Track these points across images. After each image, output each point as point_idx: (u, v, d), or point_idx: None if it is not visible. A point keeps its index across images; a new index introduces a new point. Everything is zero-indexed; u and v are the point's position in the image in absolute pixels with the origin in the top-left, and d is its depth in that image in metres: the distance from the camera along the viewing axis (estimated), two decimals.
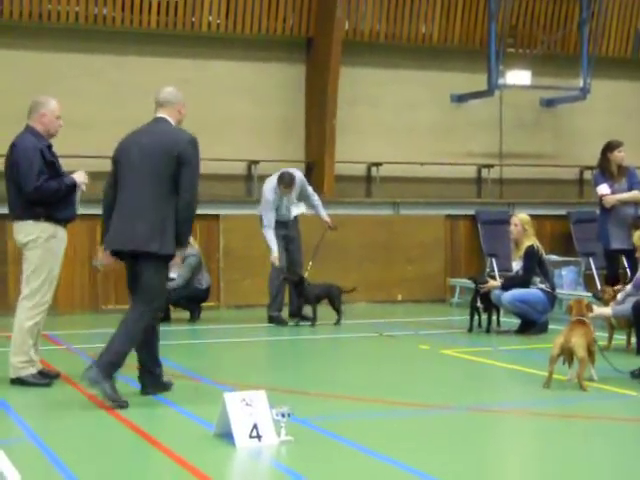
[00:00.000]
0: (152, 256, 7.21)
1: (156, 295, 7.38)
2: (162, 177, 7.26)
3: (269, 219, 12.23)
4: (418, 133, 16.65)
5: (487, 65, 16.14)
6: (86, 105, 14.59)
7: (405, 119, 16.58)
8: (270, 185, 12.35)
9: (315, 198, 12.67)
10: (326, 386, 8.14)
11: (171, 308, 12.78)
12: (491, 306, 11.49)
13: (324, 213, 12.60)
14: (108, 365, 7.06)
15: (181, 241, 7.34)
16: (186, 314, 12.83)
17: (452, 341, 10.75)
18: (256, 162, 15.40)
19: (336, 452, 5.78)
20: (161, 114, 7.67)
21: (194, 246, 12.79)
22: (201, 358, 9.98)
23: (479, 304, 11.53)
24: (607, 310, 8.56)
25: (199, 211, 13.80)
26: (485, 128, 17.06)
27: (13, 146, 7.92)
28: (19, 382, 7.88)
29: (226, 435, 5.83)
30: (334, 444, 5.95)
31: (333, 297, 12.18)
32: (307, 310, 12.17)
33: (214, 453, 5.70)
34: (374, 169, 16.26)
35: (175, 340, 11.57)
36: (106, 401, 6.96)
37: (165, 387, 7.56)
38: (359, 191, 16.24)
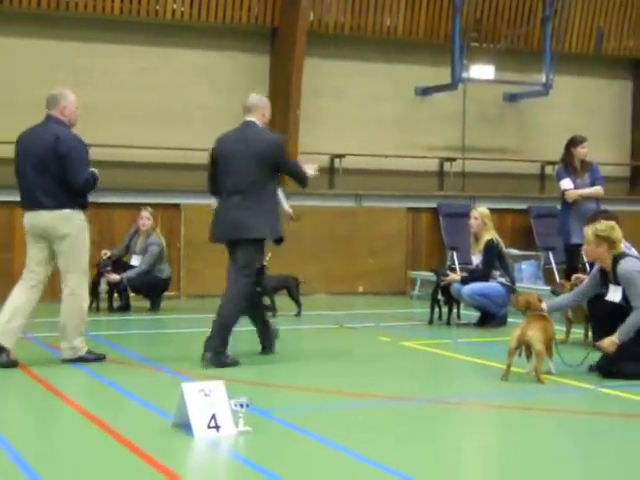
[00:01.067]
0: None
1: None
2: (259, 174, 8.43)
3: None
4: (382, 125, 16.67)
5: (451, 59, 16.18)
6: (50, 90, 14.44)
7: (369, 111, 16.58)
8: None
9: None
10: (286, 377, 8.14)
11: (131, 297, 12.73)
12: (452, 299, 11.54)
13: (286, 205, 12.54)
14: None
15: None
16: (146, 304, 12.79)
17: (412, 333, 10.78)
18: None
19: (294, 443, 5.79)
20: (249, 118, 8.68)
21: (158, 234, 12.76)
22: (161, 348, 9.94)
23: (440, 297, 11.57)
24: (543, 305, 8.57)
25: (160, 200, 13.71)
26: (448, 121, 17.11)
27: (57, 138, 8.23)
28: (81, 361, 8.23)
29: (184, 425, 5.82)
30: (293, 435, 5.96)
31: (291, 288, 12.17)
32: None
33: (172, 443, 5.68)
34: (337, 161, 16.26)
35: (135, 329, 11.55)
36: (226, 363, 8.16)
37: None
38: (322, 182, 16.20)
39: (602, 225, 8.18)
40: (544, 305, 8.45)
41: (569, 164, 11.83)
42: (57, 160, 8.17)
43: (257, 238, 8.50)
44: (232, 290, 8.56)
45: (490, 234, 11.39)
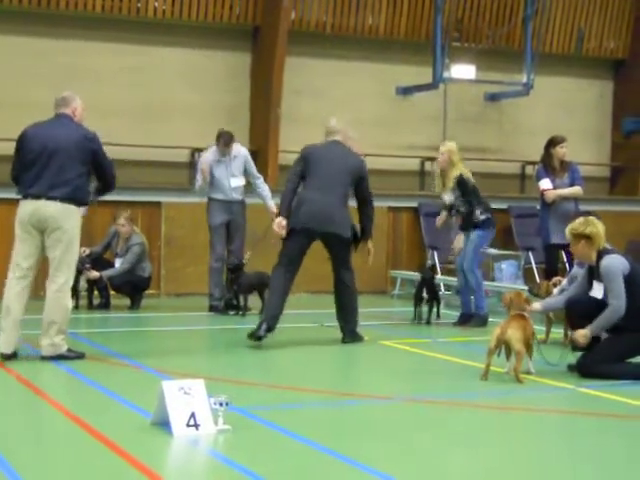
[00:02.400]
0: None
1: None
2: (346, 186, 9.88)
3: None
4: (363, 125, 16.60)
5: (433, 58, 16.21)
6: (33, 88, 14.45)
7: (350, 110, 16.53)
8: (209, 150, 12.29)
9: (260, 181, 12.37)
10: (266, 376, 8.15)
11: (112, 294, 12.69)
12: (434, 298, 11.57)
13: (271, 203, 12.25)
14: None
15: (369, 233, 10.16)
16: (126, 301, 12.75)
17: (392, 332, 10.80)
18: (199, 150, 15.29)
19: (274, 441, 5.79)
20: (335, 137, 10.10)
21: (139, 234, 12.72)
22: (141, 346, 9.90)
23: (424, 294, 11.57)
24: (537, 305, 8.62)
25: (140, 198, 13.65)
26: (429, 121, 17.12)
27: (86, 135, 8.60)
28: (60, 358, 8.25)
29: (163, 423, 5.81)
30: (272, 433, 5.96)
31: (265, 288, 12.09)
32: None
33: (151, 441, 5.68)
34: None
35: (115, 328, 11.52)
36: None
37: None
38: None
39: (576, 223, 8.20)
40: (537, 305, 8.51)
41: (548, 164, 11.87)
42: (88, 156, 8.48)
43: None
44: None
45: (458, 169, 11.29)
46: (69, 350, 8.38)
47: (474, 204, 11.34)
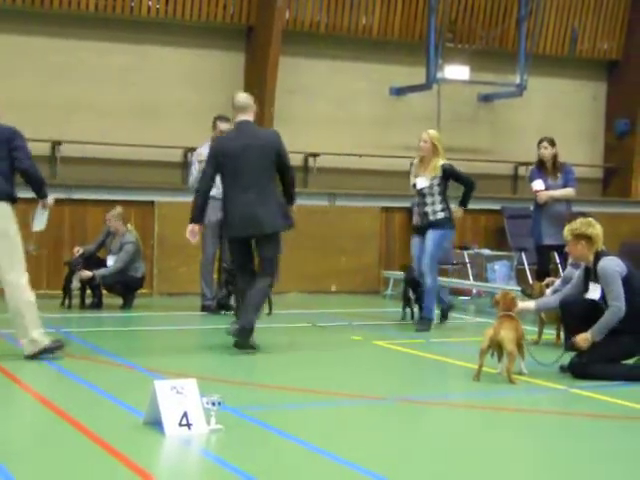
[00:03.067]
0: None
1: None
2: (269, 169, 9.15)
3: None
4: (356, 125, 16.68)
5: (426, 59, 16.22)
6: (26, 87, 14.46)
7: (344, 110, 16.59)
8: (204, 145, 12.16)
9: None
10: (258, 376, 8.14)
11: (104, 294, 12.66)
12: (422, 298, 11.54)
13: None
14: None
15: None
16: (118, 301, 12.73)
17: (385, 333, 10.80)
18: (193, 149, 15.28)
19: (266, 441, 5.79)
20: (246, 117, 9.28)
21: (132, 232, 12.69)
22: (133, 345, 9.90)
23: (411, 295, 11.59)
24: (530, 304, 8.65)
25: (133, 197, 13.61)
26: (423, 121, 17.06)
27: (11, 129, 8.42)
28: (45, 352, 8.21)
29: (156, 423, 5.80)
30: (264, 433, 5.96)
31: None
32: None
33: (143, 441, 5.67)
34: (311, 159, 16.26)
35: (107, 327, 11.51)
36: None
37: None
38: (296, 181, 16.19)
39: (577, 223, 8.21)
40: (531, 304, 8.55)
41: (542, 165, 11.91)
42: (11, 150, 8.32)
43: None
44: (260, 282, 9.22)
45: (443, 158, 11.00)
46: (51, 342, 8.32)
47: (446, 199, 11.01)
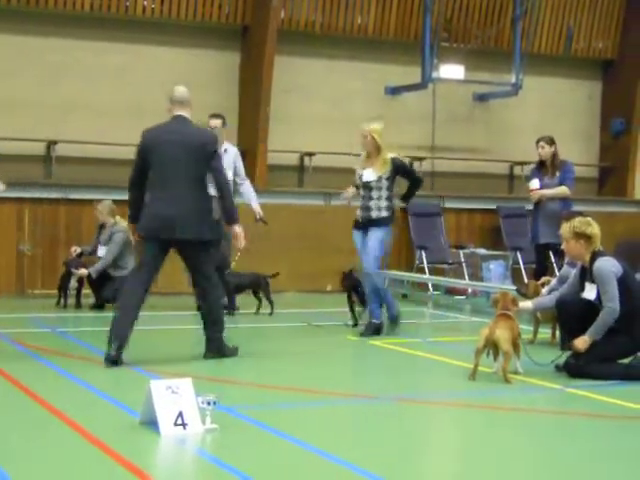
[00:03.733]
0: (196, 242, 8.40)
1: None
2: (198, 170, 8.34)
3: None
4: (352, 124, 16.57)
5: (421, 58, 16.22)
6: (21, 86, 14.45)
7: (339, 110, 16.58)
8: None
9: (247, 183, 12.14)
10: (253, 375, 8.13)
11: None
12: (364, 299, 11.08)
13: (256, 204, 12.18)
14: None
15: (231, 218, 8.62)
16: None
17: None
18: None
19: (261, 440, 5.78)
20: (182, 112, 8.64)
21: (122, 223, 12.54)
22: (129, 345, 9.88)
23: (354, 298, 11.30)
24: (528, 304, 8.66)
25: (128, 196, 13.54)
26: (418, 121, 17.13)
27: None
28: None
29: (151, 422, 5.80)
30: (260, 432, 5.95)
31: (260, 288, 12.07)
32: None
33: (138, 441, 5.67)
34: (307, 159, 16.25)
35: (102, 326, 11.46)
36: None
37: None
38: (291, 180, 16.22)
39: (577, 222, 8.21)
40: (528, 303, 8.56)
41: (542, 164, 11.96)
42: None
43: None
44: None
45: (390, 152, 10.42)
46: None
47: (392, 196, 10.50)
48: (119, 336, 8.15)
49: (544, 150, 11.86)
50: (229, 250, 12.19)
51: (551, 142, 11.90)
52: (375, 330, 10.37)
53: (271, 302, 12.06)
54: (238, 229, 8.58)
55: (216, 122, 12.03)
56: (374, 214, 10.36)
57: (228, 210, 8.58)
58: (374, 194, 10.40)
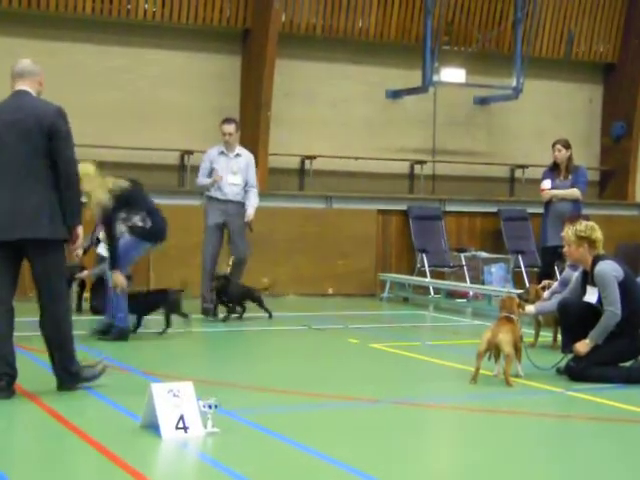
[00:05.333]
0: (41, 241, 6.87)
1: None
2: (38, 154, 6.80)
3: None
4: (353, 127, 16.69)
5: (422, 62, 16.22)
6: None
7: (340, 113, 16.60)
8: (215, 147, 12.23)
9: (254, 191, 12.11)
10: (254, 379, 8.12)
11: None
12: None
13: (251, 209, 12.04)
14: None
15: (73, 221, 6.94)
16: None
17: (381, 335, 10.79)
18: (190, 152, 15.31)
19: (262, 444, 5.78)
20: (22, 86, 7.15)
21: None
22: (130, 349, 9.88)
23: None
24: (530, 308, 8.68)
25: None
26: (419, 124, 17.15)
27: None
28: None
29: (152, 426, 5.80)
30: (261, 436, 5.95)
31: (255, 300, 12.01)
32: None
33: (140, 444, 5.66)
34: (308, 162, 16.26)
35: None
36: (96, 379, 7.25)
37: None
38: (292, 184, 16.23)
39: (582, 225, 8.20)
40: (531, 307, 8.59)
41: (555, 167, 12.00)
42: None
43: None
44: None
45: (100, 191, 9.78)
46: None
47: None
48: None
49: (560, 153, 11.88)
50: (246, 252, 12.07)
51: (567, 145, 11.94)
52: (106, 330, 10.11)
53: (268, 311, 11.90)
54: (80, 232, 7.05)
55: (229, 128, 12.05)
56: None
57: (68, 206, 6.89)
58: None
